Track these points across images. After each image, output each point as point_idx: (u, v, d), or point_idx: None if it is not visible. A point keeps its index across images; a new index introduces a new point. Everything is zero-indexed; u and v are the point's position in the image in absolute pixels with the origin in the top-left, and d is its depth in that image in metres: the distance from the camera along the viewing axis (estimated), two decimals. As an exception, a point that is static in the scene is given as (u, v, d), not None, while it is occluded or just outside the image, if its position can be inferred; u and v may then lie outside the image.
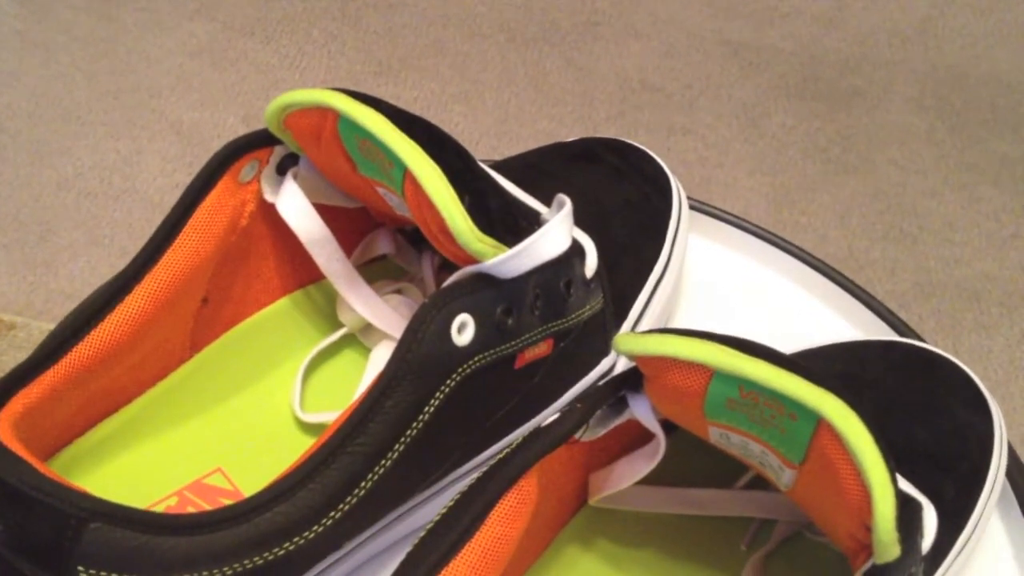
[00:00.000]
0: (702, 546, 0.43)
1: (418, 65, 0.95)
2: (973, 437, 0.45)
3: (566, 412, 0.37)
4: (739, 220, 0.56)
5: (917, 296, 0.98)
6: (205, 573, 0.36)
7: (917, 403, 0.45)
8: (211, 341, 0.45)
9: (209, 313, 0.44)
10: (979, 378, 0.46)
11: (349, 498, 0.38)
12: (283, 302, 0.47)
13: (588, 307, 0.44)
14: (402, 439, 0.39)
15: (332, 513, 0.38)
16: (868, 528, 0.33)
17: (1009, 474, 0.47)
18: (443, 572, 0.35)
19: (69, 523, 0.33)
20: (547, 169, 0.51)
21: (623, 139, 0.54)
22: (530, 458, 0.36)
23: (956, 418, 0.45)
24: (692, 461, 0.45)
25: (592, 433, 0.39)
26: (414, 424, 0.39)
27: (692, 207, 0.56)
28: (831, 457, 0.33)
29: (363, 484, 0.38)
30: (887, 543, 0.33)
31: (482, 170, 0.41)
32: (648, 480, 0.43)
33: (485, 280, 0.40)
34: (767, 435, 0.36)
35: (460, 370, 0.39)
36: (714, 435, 0.38)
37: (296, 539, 0.37)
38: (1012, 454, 0.48)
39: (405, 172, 0.39)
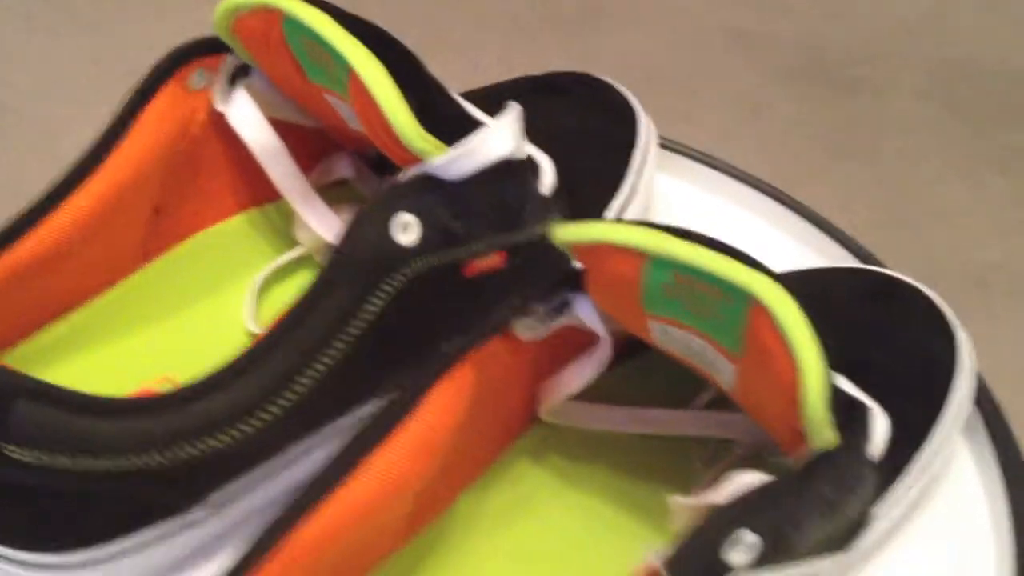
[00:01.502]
0: (657, 466, 0.43)
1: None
2: (935, 361, 0.44)
3: (503, 304, 0.37)
4: (704, 156, 0.56)
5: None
6: (134, 458, 0.35)
7: (879, 327, 0.45)
8: (164, 251, 0.45)
9: (162, 224, 0.44)
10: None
11: (287, 393, 0.38)
12: (239, 218, 0.47)
13: (545, 225, 0.44)
14: (343, 337, 0.38)
15: (270, 407, 0.37)
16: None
17: (980, 405, 0.46)
18: (372, 458, 0.34)
19: (-6, 399, 0.33)
20: (509, 97, 0.51)
21: (595, 74, 0.53)
22: (464, 346, 0.36)
23: (918, 342, 0.44)
24: (649, 384, 0.44)
25: (533, 332, 0.38)
26: (355, 322, 0.38)
27: (660, 146, 0.56)
28: (764, 339, 0.33)
29: (302, 380, 0.38)
30: (819, 422, 0.32)
31: (431, 76, 0.41)
32: (604, 400, 0.43)
33: (430, 182, 0.39)
34: (705, 325, 0.35)
35: (405, 271, 0.39)
36: (655, 332, 0.37)
37: (231, 431, 0.37)
38: (982, 386, 0.47)
39: (349, 72, 0.39)
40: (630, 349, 0.45)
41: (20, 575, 0.37)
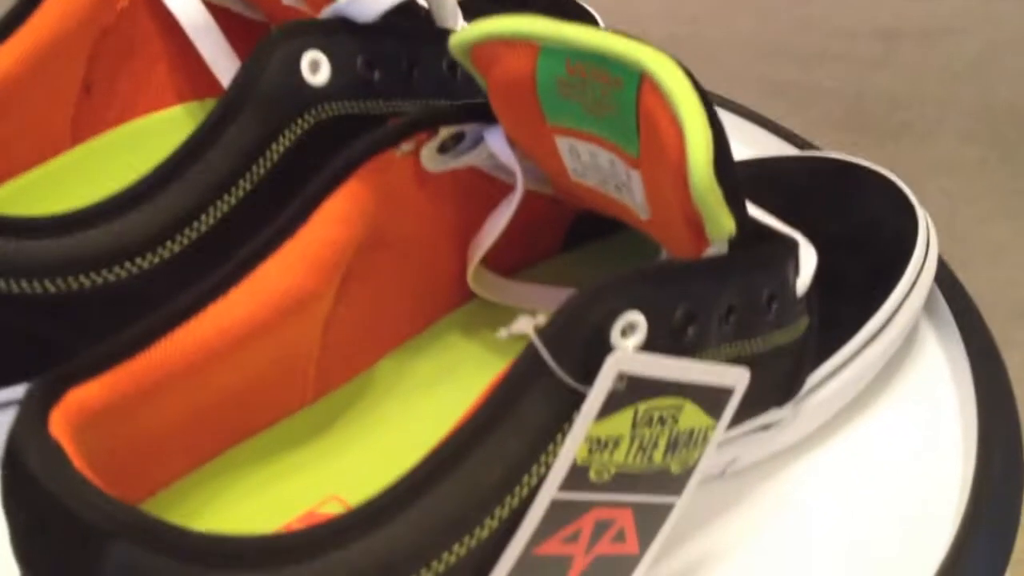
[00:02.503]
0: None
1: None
2: (891, 231, 0.42)
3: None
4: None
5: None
6: (24, 282, 0.34)
7: (833, 198, 0.43)
8: (97, 134, 0.44)
9: (93, 105, 0.43)
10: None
11: (188, 231, 0.36)
12: (178, 109, 0.46)
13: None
14: (247, 175, 0.37)
15: (169, 244, 0.36)
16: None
17: (943, 286, 0.44)
18: (259, 269, 0.33)
19: None
20: (464, 6, 0.50)
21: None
22: (355, 155, 0.34)
23: (874, 214, 0.42)
24: (602, 269, 0.43)
25: (441, 163, 0.37)
26: (260, 160, 0.37)
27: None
28: (653, 116, 0.31)
29: (203, 218, 0.37)
30: (705, 190, 0.30)
31: None
32: (554, 283, 0.41)
33: (341, 24, 0.39)
34: (605, 128, 0.33)
35: (314, 111, 0.38)
36: (565, 155, 0.35)
37: (127, 264, 0.35)
38: (944, 267, 0.45)
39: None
40: (582, 234, 0.44)
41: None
